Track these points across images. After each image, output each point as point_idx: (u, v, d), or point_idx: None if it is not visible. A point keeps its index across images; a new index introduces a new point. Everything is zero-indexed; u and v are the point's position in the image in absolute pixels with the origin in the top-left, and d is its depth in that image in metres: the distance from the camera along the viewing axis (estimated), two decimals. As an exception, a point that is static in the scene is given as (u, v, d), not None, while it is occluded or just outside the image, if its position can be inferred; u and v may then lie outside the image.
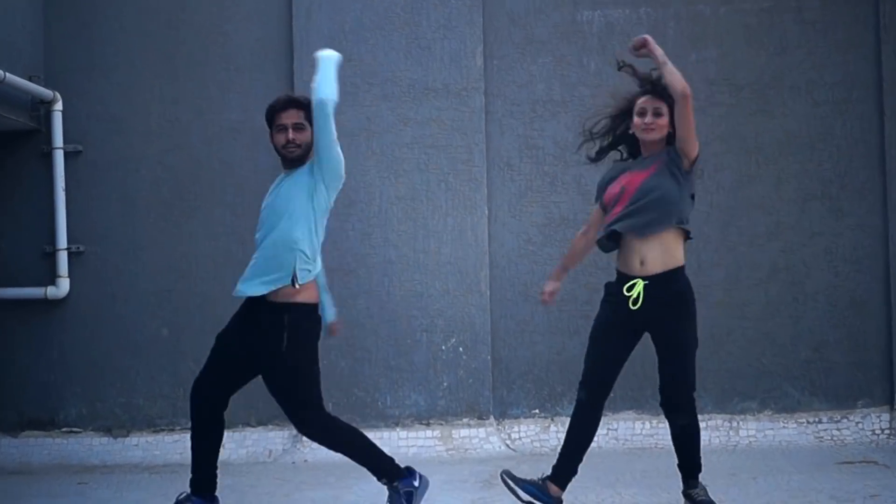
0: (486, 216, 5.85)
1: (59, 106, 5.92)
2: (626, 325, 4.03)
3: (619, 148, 4.27)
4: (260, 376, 4.06)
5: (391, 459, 4.10)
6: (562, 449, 4.18)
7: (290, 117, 3.97)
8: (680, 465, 4.09)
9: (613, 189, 4.09)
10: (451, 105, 5.84)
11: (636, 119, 4.08)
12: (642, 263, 3.97)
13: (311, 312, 4.00)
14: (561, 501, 4.08)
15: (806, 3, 5.86)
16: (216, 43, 5.99)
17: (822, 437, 5.63)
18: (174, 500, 4.07)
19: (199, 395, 4.09)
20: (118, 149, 5.98)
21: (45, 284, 5.89)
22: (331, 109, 3.84)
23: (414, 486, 4.05)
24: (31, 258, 5.95)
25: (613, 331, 4.06)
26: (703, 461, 4.05)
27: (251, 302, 4.02)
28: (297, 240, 3.91)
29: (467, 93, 5.84)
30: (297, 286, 3.90)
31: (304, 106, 3.98)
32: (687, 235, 4.04)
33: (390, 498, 4.02)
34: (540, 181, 5.90)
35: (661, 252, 3.95)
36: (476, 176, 5.83)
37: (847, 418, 5.73)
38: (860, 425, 5.70)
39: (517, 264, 5.89)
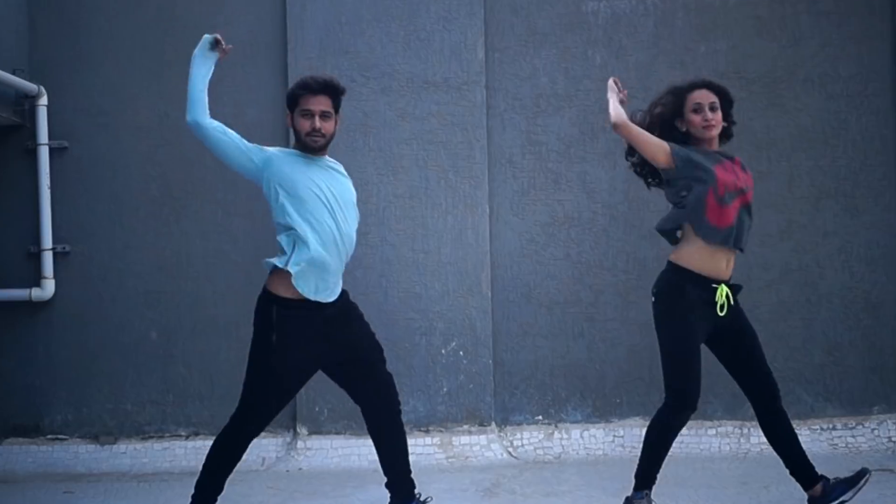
0: (487, 215, 5.84)
1: (44, 100, 5.92)
2: (712, 329, 4.01)
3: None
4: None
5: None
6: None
7: (320, 104, 3.87)
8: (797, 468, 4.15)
9: (728, 176, 3.98)
10: (452, 99, 5.83)
11: (693, 116, 4.04)
12: (727, 267, 4.03)
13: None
14: (828, 480, 4.06)
15: (819, -7, 5.87)
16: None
17: (836, 445, 5.63)
18: None
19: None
20: (106, 145, 5.98)
21: (30, 286, 5.89)
22: (195, 132, 3.85)
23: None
24: (15, 259, 5.95)
25: (701, 338, 4.03)
26: (713, 468, 4.04)
27: (325, 307, 3.92)
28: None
29: (468, 87, 5.84)
30: None
31: (336, 92, 3.92)
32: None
33: None
34: (543, 178, 5.90)
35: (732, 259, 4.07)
36: (477, 173, 5.83)
37: (862, 425, 5.73)
38: (876, 432, 5.70)
39: (520, 264, 5.88)
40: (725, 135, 4.17)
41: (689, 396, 3.95)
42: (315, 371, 4.03)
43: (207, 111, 3.86)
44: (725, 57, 5.87)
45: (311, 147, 3.91)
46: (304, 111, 3.88)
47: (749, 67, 5.84)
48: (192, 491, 3.94)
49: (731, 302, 4.00)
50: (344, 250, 3.91)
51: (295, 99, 3.91)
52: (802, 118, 5.80)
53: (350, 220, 3.94)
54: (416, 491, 4.06)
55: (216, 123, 3.87)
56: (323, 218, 3.82)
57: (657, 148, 3.97)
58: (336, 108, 3.94)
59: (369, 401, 4.05)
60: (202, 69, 3.91)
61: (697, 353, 3.97)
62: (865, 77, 5.84)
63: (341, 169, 4.07)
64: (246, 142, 3.91)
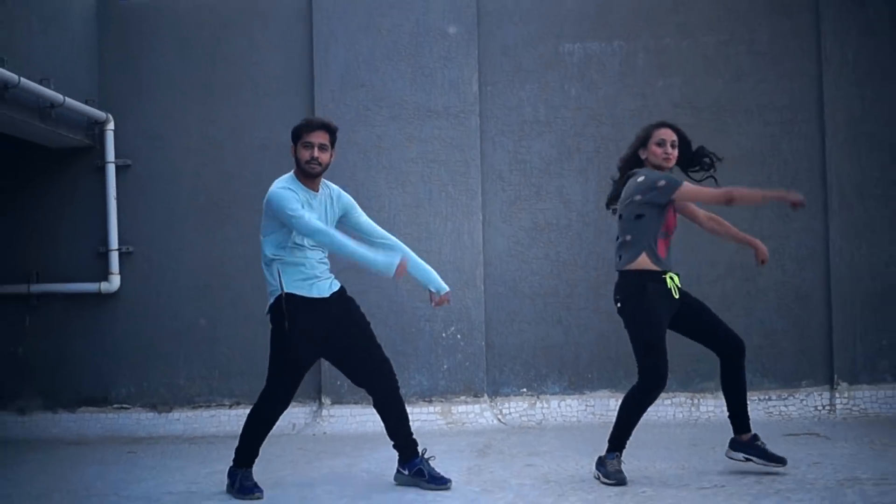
0: (480, 221, 5.86)
1: (111, 126, 5.94)
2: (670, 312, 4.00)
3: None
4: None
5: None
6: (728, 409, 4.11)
7: (318, 137, 3.87)
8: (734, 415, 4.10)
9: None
10: (451, 125, 5.85)
11: (656, 149, 3.99)
12: (669, 257, 4.06)
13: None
14: (757, 437, 4.03)
15: (757, 37, 5.87)
16: (247, 71, 6.01)
17: (771, 413, 5.65)
18: None
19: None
20: (162, 163, 6.00)
21: (99, 280, 5.92)
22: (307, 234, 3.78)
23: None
24: (86, 258, 5.98)
25: (666, 320, 4.00)
26: (668, 432, 4.02)
27: (324, 301, 3.89)
28: None
29: (464, 115, 5.85)
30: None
31: (332, 130, 3.93)
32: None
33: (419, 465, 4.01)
34: (527, 191, 5.91)
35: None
36: (472, 186, 5.85)
37: (793, 396, 5.74)
38: (804, 402, 5.71)
39: (508, 263, 5.90)
40: (685, 168, 4.13)
41: (660, 374, 3.94)
42: (319, 355, 4.01)
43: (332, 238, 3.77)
44: (679, 90, 5.90)
45: (308, 173, 3.88)
46: (305, 143, 3.87)
47: (699, 99, 5.86)
48: (234, 456, 3.95)
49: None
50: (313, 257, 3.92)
51: (298, 133, 3.91)
52: (743, 142, 5.81)
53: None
54: (419, 449, 4.06)
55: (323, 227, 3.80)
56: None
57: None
58: (332, 143, 3.93)
59: (370, 382, 4.04)
60: (367, 256, 3.79)
61: (663, 334, 3.98)
62: (796, 107, 5.85)
63: (332, 195, 4.00)
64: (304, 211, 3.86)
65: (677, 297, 3.98)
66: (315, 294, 3.86)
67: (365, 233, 4.07)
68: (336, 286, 3.97)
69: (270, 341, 3.85)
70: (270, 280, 3.86)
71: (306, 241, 3.83)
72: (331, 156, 3.93)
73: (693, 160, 4.13)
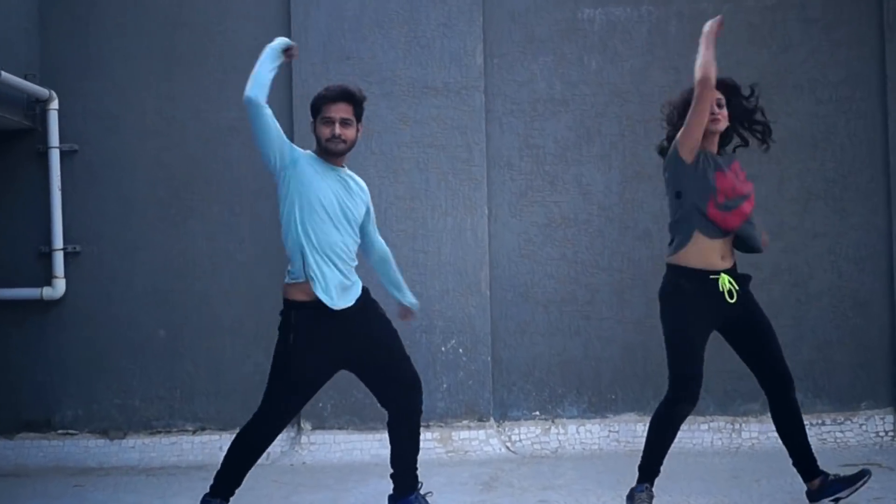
0: (486, 216, 5.85)
1: (54, 105, 5.92)
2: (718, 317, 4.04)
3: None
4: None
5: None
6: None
7: (340, 111, 3.88)
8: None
9: (728, 180, 4.04)
10: (451, 104, 5.84)
11: None
12: (723, 258, 4.06)
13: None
14: (828, 475, 4.11)
15: (809, 1, 5.86)
16: (213, 41, 5.99)
17: (825, 440, 5.63)
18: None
19: None
20: (114, 148, 5.98)
21: (41, 285, 5.90)
22: (250, 110, 3.84)
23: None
24: (26, 258, 5.95)
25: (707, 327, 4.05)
26: (705, 462, 4.03)
27: (337, 311, 3.94)
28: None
29: (467, 91, 5.84)
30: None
31: (357, 101, 3.93)
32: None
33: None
34: (540, 181, 5.90)
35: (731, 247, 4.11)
36: (476, 175, 5.83)
37: (850, 420, 5.73)
38: (864, 427, 5.70)
39: (517, 264, 5.89)
40: (731, 135, 4.15)
41: (687, 383, 3.94)
42: (333, 371, 4.03)
43: (267, 97, 3.85)
44: (718, 63, 5.81)
45: (331, 152, 3.92)
46: (325, 118, 3.90)
47: (741, 73, 5.79)
48: (211, 482, 3.97)
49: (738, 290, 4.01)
50: (341, 260, 3.92)
51: (317, 107, 3.94)
52: (792, 122, 5.80)
53: (346, 231, 3.95)
54: (418, 484, 4.06)
55: (268, 108, 3.87)
56: (325, 229, 3.84)
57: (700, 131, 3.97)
58: (357, 115, 3.95)
59: (393, 402, 4.08)
60: (272, 62, 3.91)
61: (702, 335, 4.03)
62: (853, 82, 5.84)
63: (359, 182, 4.07)
64: (284, 136, 3.94)
65: (733, 301, 3.96)
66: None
67: (367, 240, 4.18)
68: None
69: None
70: None
71: None
72: (358, 131, 3.95)
73: (749, 120, 4.13)
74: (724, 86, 4.10)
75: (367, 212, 4.12)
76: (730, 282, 4.00)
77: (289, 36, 5.87)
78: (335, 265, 3.87)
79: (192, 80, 6.00)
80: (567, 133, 5.90)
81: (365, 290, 4.04)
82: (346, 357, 3.97)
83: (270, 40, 5.88)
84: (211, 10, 5.99)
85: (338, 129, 3.87)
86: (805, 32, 5.86)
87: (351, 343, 3.92)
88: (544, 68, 5.92)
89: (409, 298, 4.34)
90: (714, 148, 4.13)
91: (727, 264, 4.06)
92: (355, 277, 4.00)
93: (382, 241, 4.27)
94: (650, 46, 5.89)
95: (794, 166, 5.83)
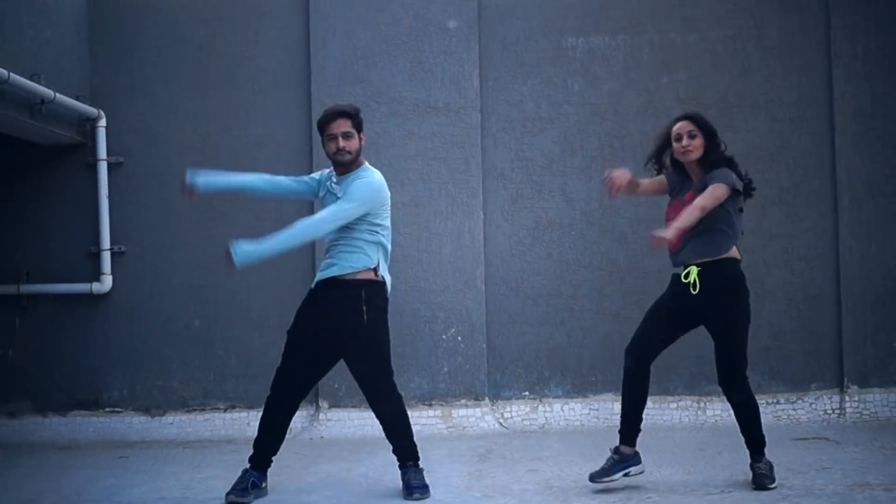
0: (481, 220, 5.85)
1: (102, 122, 5.93)
2: (680, 308, 4.04)
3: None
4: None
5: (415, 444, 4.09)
6: (621, 413, 4.12)
7: (339, 126, 3.94)
8: (745, 441, 4.05)
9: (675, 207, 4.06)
10: (451, 122, 5.85)
11: (675, 145, 4.05)
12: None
13: (380, 288, 4.03)
14: (638, 454, 4.05)
15: (765, 31, 5.87)
16: (242, 67, 6.00)
17: (779, 417, 5.64)
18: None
19: (281, 390, 4.05)
20: (155, 160, 5.99)
21: (91, 281, 5.90)
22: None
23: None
24: (78, 257, 5.96)
25: (665, 309, 4.08)
26: (674, 437, 4.04)
27: (321, 287, 3.99)
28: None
29: (465, 111, 5.85)
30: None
31: (352, 115, 3.98)
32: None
33: (410, 472, 4.01)
34: (529, 189, 5.91)
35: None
36: (473, 184, 5.84)
37: (802, 400, 5.74)
38: (813, 406, 5.71)
39: (509, 263, 5.89)
40: (709, 160, 4.10)
41: (627, 349, 4.16)
42: (320, 349, 4.04)
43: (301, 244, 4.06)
44: (686, 86, 5.89)
45: (339, 163, 3.99)
46: (329, 136, 3.97)
47: (705, 95, 5.85)
48: (231, 455, 3.98)
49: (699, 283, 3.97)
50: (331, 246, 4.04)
51: (321, 129, 4.02)
52: (751, 138, 5.80)
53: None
54: (413, 459, 4.05)
55: (287, 181, 4.17)
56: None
57: (718, 200, 3.96)
58: (357, 127, 3.99)
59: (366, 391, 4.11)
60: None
61: (650, 315, 4.12)
62: (804, 103, 5.85)
63: (363, 174, 4.02)
64: (297, 178, 4.18)
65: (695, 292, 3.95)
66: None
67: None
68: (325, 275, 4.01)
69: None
70: None
71: None
72: (360, 140, 4.00)
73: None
74: (702, 124, 4.05)
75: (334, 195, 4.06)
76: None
77: (308, 62, 5.91)
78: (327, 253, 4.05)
79: (224, 101, 6.01)
80: (553, 147, 5.91)
81: (335, 280, 3.99)
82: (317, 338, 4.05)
83: (293, 66, 5.97)
84: (240, 39, 6.00)
85: (341, 143, 3.94)
86: (762, 59, 5.87)
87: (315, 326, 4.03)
88: (533, 90, 5.93)
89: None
90: (694, 175, 4.11)
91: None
92: (333, 259, 4.00)
93: (312, 218, 4.12)
94: (625, 71, 5.90)
95: (753, 175, 5.74)
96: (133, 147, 6.00)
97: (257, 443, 4.05)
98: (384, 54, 5.89)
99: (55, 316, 5.96)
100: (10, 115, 5.15)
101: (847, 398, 5.69)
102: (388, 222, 4.06)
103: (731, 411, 4.13)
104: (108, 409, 5.94)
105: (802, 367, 5.79)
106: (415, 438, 4.04)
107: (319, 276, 4.02)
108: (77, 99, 5.74)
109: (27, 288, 5.92)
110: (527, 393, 5.87)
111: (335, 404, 5.74)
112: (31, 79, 5.17)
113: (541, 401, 5.84)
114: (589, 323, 5.85)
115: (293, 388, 4.05)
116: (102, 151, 5.92)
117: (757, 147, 5.81)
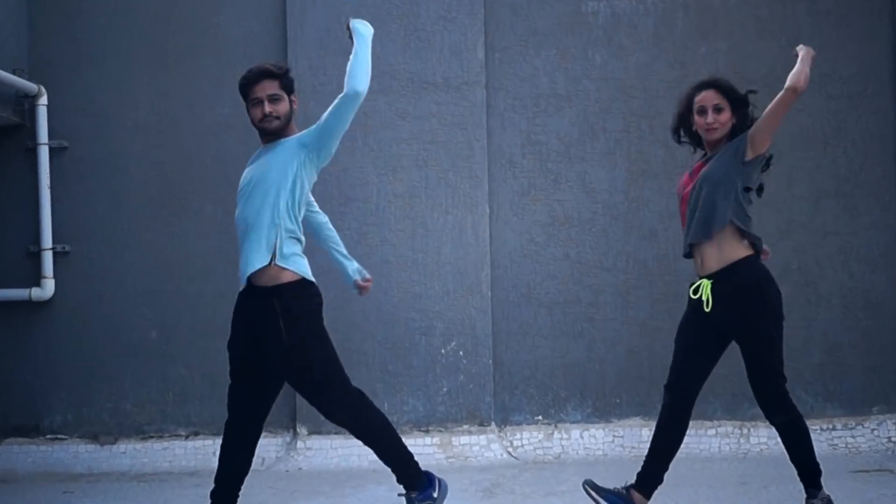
0: (487, 214, 5.84)
1: (43, 100, 5.91)
2: (703, 327, 3.98)
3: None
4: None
5: (416, 463, 3.99)
6: (647, 455, 4.10)
7: (265, 89, 3.88)
8: (798, 472, 3.99)
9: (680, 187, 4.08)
10: (451, 99, 5.83)
11: (697, 118, 4.02)
12: (702, 264, 3.96)
13: (301, 290, 3.82)
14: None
15: (819, -7, 5.86)
16: (207, 36, 5.98)
17: (835, 445, 5.63)
18: None
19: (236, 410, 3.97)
20: (105, 144, 5.97)
21: (30, 285, 5.89)
22: (360, 102, 3.82)
23: (433, 498, 3.97)
24: (14, 258, 5.95)
25: (692, 333, 4.03)
26: (712, 468, 4.02)
27: (243, 294, 3.89)
28: (280, 215, 3.77)
29: (468, 87, 5.83)
30: (275, 265, 3.76)
31: (279, 76, 3.92)
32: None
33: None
34: (543, 178, 5.89)
35: (717, 249, 3.91)
36: (477, 173, 5.83)
37: (862, 425, 5.72)
38: (875, 432, 5.69)
39: (519, 264, 5.88)
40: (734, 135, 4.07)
41: (665, 385, 4.10)
42: (255, 358, 3.89)
43: None
44: (726, 57, 5.87)
45: (267, 130, 3.90)
46: (253, 100, 3.90)
47: (749, 68, 5.82)
48: (194, 489, 3.95)
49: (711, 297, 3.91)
50: (242, 234, 3.87)
51: (244, 92, 3.94)
52: (802, 118, 5.78)
53: (251, 203, 3.84)
54: (413, 488, 4.02)
55: (310, 217, 4.11)
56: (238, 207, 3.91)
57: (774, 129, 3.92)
58: (286, 88, 3.92)
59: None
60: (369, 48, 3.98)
61: (678, 344, 4.07)
62: (865, 77, 5.84)
63: (292, 141, 3.91)
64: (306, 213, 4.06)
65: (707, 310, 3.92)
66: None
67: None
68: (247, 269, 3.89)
69: None
70: None
71: None
72: (291, 103, 3.94)
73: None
74: (730, 92, 4.03)
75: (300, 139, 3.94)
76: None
77: (284, 30, 5.89)
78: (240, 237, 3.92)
79: (186, 75, 5.99)
80: (570, 129, 5.89)
81: (275, 289, 3.82)
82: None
83: (266, 35, 5.94)
84: (204, 3, 5.98)
85: (268, 107, 3.86)
86: (815, 25, 5.85)
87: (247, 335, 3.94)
88: (547, 63, 5.91)
89: (362, 272, 4.31)
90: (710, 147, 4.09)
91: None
92: (245, 251, 3.87)
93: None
94: (656, 40, 5.89)
95: (804, 163, 5.82)
96: (79, 129, 5.98)
97: (219, 475, 4.01)
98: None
99: (-12, 327, 5.95)
100: (-67, 91, 5.14)
101: (915, 423, 5.69)
102: (304, 207, 3.92)
103: (779, 438, 4.10)
104: (49, 436, 5.92)
105: (862, 386, 5.77)
106: (414, 458, 3.98)
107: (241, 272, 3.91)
108: (13, 73, 5.72)
109: (-46, 294, 5.91)
110: (540, 417, 5.85)
111: (315, 430, 5.72)
112: (-42, 49, 5.16)
113: (556, 426, 5.83)
114: (612, 335, 5.84)
115: (248, 406, 3.97)
116: (43, 134, 5.90)
117: (809, 129, 5.80)
